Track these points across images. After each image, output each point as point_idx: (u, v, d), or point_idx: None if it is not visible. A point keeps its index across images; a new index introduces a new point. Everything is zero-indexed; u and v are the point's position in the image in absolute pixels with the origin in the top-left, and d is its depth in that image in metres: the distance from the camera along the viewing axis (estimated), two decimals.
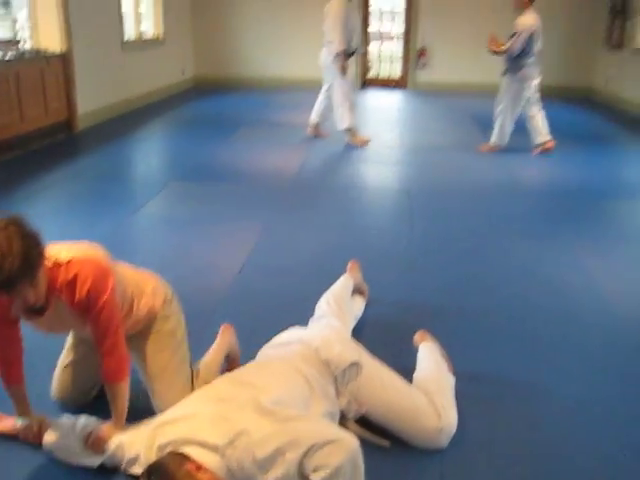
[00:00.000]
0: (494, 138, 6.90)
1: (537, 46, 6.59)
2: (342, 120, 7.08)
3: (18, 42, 6.78)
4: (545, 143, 6.77)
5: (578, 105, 10.38)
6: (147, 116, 8.89)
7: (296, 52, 11.62)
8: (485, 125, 8.52)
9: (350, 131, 7.14)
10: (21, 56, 6.53)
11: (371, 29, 12.09)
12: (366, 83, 12.24)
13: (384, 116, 9.29)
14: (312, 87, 11.33)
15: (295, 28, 11.54)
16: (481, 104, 10.38)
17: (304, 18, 11.44)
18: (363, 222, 4.68)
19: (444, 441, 2.19)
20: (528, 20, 6.45)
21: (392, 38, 12.41)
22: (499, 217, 4.81)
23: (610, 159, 6.76)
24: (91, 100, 7.88)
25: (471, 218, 4.77)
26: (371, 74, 12.38)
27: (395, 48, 12.45)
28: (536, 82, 6.71)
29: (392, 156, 6.80)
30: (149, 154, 7.10)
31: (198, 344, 2.70)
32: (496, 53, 6.75)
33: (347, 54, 6.85)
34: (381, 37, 12.33)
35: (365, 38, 11.95)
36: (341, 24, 6.71)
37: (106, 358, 2.08)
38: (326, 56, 6.98)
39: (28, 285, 1.84)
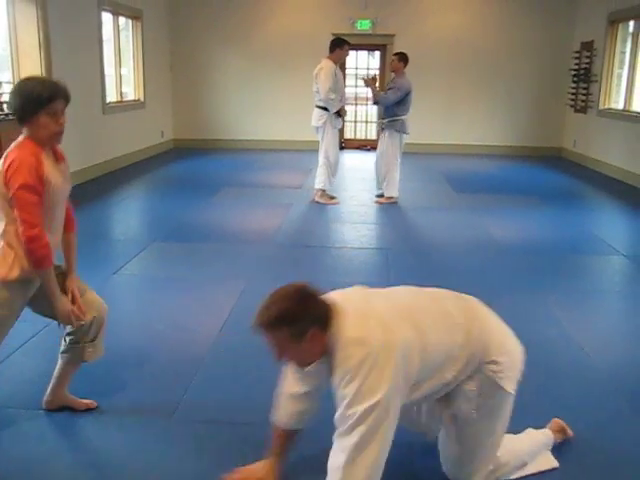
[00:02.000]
0: (391, 192, 7.42)
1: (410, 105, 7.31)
2: (318, 179, 7.37)
3: (1, 104, 6.90)
4: (393, 198, 7.43)
5: (549, 165, 10.72)
6: (127, 177, 9.00)
7: (272, 115, 11.94)
8: (457, 183, 8.77)
9: (321, 190, 7.39)
10: (4, 118, 6.64)
11: (347, 91, 12.45)
12: (343, 144, 12.52)
13: (361, 176, 9.50)
14: (288, 149, 11.64)
15: (271, 93, 11.88)
16: (452, 164, 10.70)
17: (280, 83, 11.81)
18: (342, 279, 4.75)
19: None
20: (404, 82, 7.16)
21: (367, 100, 12.75)
22: (474, 273, 4.93)
23: (579, 216, 6.97)
24: (72, 161, 7.90)
25: (446, 274, 4.89)
26: (347, 135, 12.69)
27: (370, 110, 12.80)
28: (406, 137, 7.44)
29: (369, 215, 6.94)
30: (130, 214, 7.17)
31: (178, 401, 2.74)
32: (370, 86, 7.39)
33: (337, 114, 7.21)
34: (356, 99, 12.67)
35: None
36: (335, 85, 7.04)
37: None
38: (316, 117, 7.22)
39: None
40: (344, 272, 5.04)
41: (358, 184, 8.83)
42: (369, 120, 12.85)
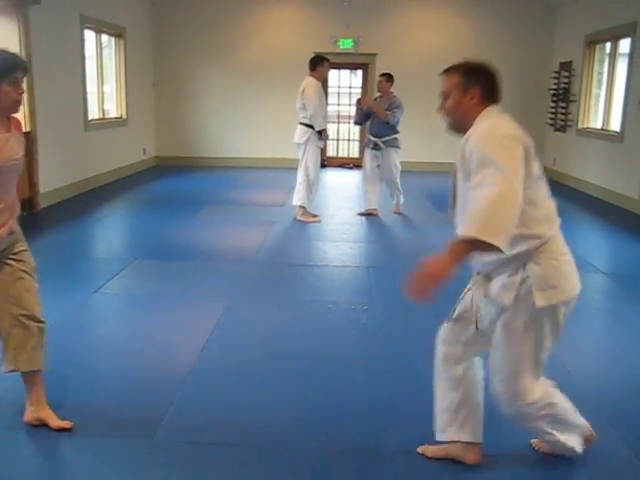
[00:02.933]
0: (402, 199, 7.90)
1: None
2: (297, 196, 7.36)
3: None
4: (373, 210, 7.82)
5: None
6: (109, 194, 8.96)
7: (254, 133, 11.97)
8: (439, 201, 8.81)
9: (302, 208, 7.37)
10: None
11: (329, 109, 12.51)
12: (325, 162, 12.57)
13: (343, 194, 9.54)
14: (271, 167, 11.66)
15: (254, 111, 11.92)
16: (434, 182, 10.75)
17: (263, 101, 11.86)
18: (324, 298, 4.77)
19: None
20: (399, 100, 7.49)
21: (350, 118, 12.83)
22: (456, 292, 4.94)
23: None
24: (53, 178, 7.93)
25: None
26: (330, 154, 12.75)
27: (353, 129, 12.87)
28: None
29: (351, 233, 6.96)
30: (111, 232, 7.13)
31: (159, 421, 2.71)
32: (372, 107, 7.57)
33: (319, 133, 7.26)
34: (339, 117, 12.74)
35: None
36: (321, 103, 7.13)
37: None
38: (300, 134, 7.24)
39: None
40: (326, 290, 5.04)
41: (340, 202, 8.85)
42: (351, 138, 12.92)
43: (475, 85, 2.33)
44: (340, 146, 12.95)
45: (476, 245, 2.06)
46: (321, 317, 4.32)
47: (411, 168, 11.70)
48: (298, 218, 7.38)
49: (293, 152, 7.96)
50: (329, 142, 12.51)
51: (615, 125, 9.28)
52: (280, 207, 8.21)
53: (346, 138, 12.97)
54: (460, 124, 2.38)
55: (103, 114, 9.94)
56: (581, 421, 2.58)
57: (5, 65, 2.53)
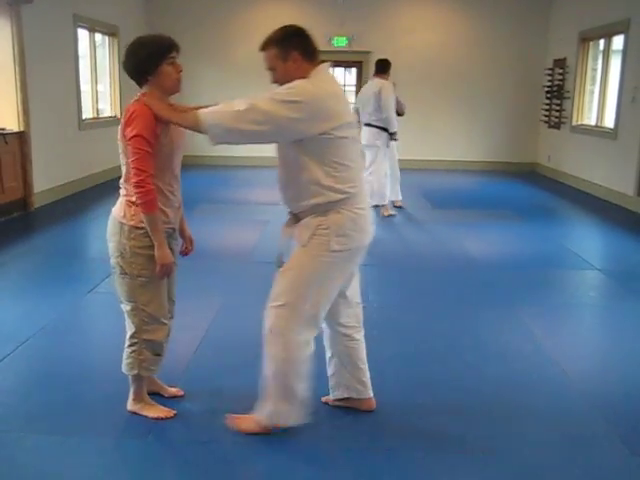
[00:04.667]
0: (400, 196, 8.08)
1: None
2: (379, 196, 7.39)
3: None
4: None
5: (524, 180, 10.85)
6: (103, 194, 8.92)
7: None
8: (434, 198, 8.81)
9: (383, 206, 7.47)
10: None
11: None
12: None
13: None
14: (265, 165, 11.62)
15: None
16: (428, 179, 10.77)
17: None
18: None
19: None
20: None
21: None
22: (449, 287, 4.96)
23: (554, 230, 7.05)
24: (48, 178, 7.91)
25: (423, 290, 4.91)
26: None
27: None
28: None
29: None
30: (105, 231, 7.09)
31: (153, 421, 2.70)
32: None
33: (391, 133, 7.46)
34: None
35: None
36: (393, 106, 7.33)
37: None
38: (374, 136, 7.33)
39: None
40: None
41: None
42: None
43: (293, 50, 2.56)
44: None
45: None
46: None
47: (406, 166, 11.69)
48: (386, 214, 7.48)
49: None
50: None
51: (609, 122, 9.30)
52: (275, 206, 8.16)
53: None
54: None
55: (97, 113, 9.91)
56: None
57: (161, 47, 2.67)
